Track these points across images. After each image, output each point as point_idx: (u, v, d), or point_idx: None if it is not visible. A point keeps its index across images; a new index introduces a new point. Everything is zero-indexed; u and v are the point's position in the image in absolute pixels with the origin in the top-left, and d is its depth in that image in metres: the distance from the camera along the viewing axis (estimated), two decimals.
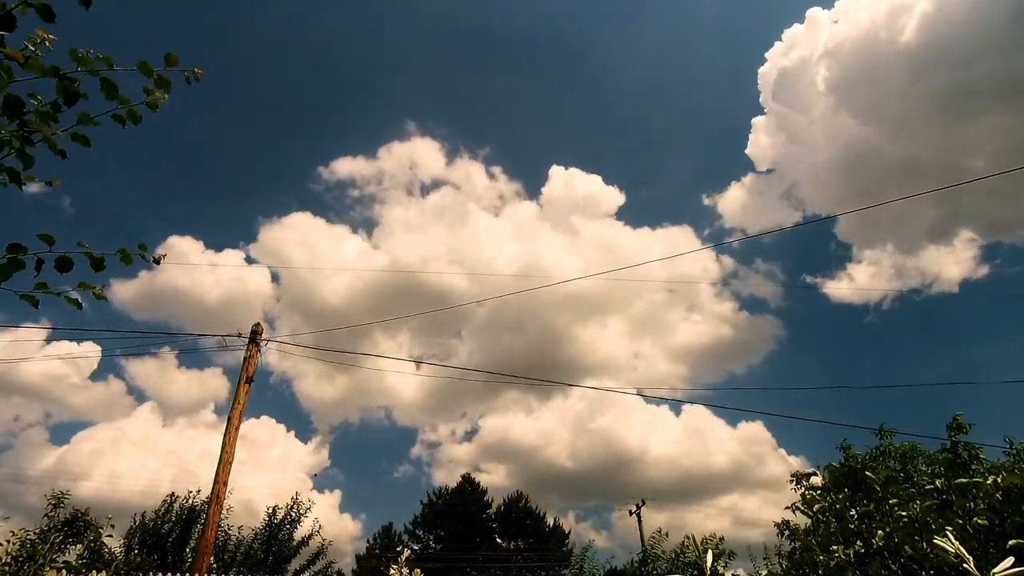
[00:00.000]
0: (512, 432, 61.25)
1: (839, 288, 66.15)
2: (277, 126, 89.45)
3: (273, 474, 47.22)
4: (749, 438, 59.21)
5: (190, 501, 16.46)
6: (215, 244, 73.50)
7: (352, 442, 69.88)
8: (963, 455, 13.48)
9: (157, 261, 2.28)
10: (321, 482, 61.63)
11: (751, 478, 55.80)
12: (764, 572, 13.66)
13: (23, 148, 1.92)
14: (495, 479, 61.22)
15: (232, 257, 65.36)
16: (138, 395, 65.52)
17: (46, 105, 1.87)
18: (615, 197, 76.02)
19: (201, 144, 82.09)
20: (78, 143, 2.00)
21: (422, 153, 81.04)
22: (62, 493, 14.35)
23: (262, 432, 50.69)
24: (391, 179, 79.29)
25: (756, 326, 73.35)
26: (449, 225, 75.89)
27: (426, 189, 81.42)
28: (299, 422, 66.42)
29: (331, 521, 49.29)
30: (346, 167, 79.46)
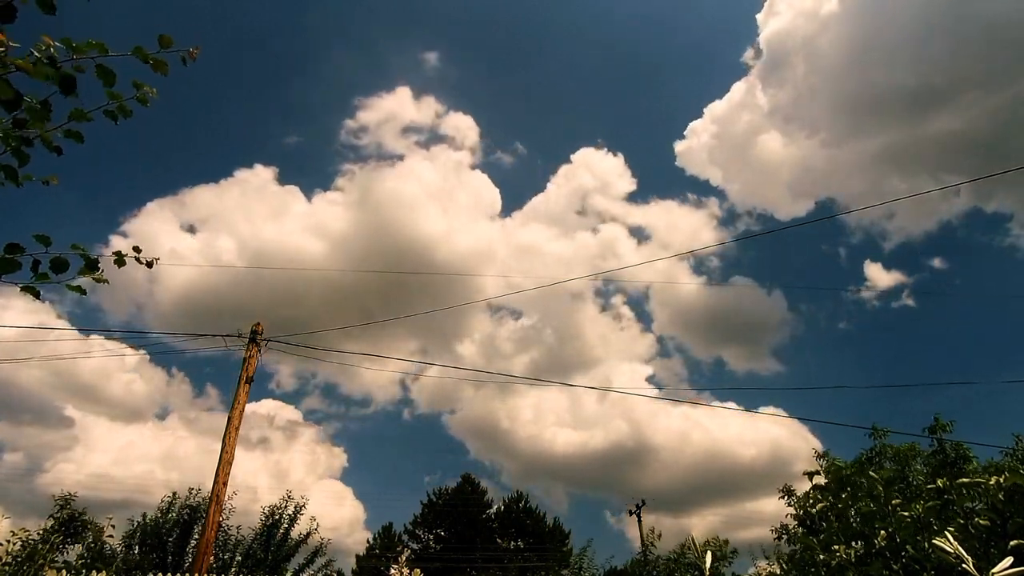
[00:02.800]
0: (517, 427, 61.31)
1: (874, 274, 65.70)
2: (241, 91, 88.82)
3: (291, 470, 47.43)
4: (779, 432, 58.73)
5: (191, 500, 16.46)
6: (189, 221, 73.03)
7: (373, 439, 70.06)
8: (951, 454, 13.64)
9: (150, 264, 2.30)
10: (344, 478, 61.73)
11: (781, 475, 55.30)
12: (764, 572, 13.61)
13: (19, 146, 1.92)
14: (507, 477, 61.11)
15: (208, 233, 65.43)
16: (145, 395, 65.47)
17: (37, 103, 1.88)
18: (627, 175, 76.08)
19: (179, 108, 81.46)
20: (72, 139, 2.01)
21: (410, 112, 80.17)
22: (70, 494, 14.37)
23: (285, 427, 50.92)
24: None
25: (773, 320, 73.08)
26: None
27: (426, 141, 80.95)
28: (327, 417, 66.82)
29: (354, 515, 49.55)
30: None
